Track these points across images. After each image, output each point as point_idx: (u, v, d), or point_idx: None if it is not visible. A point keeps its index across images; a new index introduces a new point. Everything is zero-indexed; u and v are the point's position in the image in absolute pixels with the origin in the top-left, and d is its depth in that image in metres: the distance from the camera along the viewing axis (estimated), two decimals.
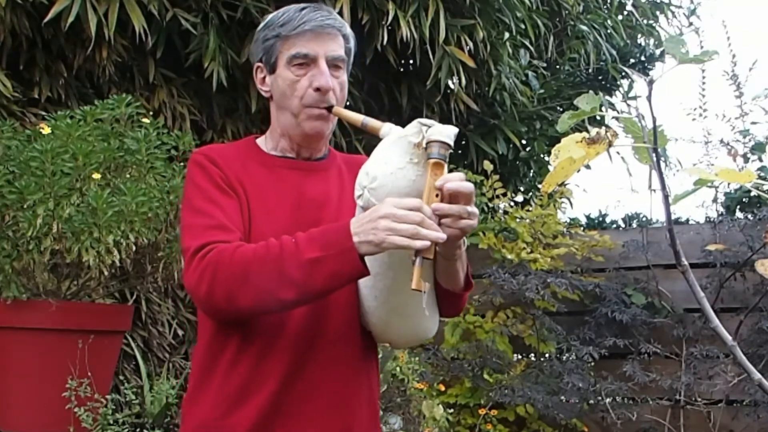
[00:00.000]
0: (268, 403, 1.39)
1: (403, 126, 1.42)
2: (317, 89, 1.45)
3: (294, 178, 1.50)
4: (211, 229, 1.38)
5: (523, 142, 5.20)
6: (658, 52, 5.95)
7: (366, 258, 1.29)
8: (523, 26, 4.53)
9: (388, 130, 1.40)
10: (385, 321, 1.46)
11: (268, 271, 1.29)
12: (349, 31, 1.52)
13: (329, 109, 1.48)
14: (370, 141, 4.14)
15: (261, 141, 1.57)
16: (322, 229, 1.33)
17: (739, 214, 4.04)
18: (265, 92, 1.54)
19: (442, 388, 3.77)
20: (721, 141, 4.35)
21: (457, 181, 1.28)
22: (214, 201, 1.42)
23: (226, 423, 1.40)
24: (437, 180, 1.27)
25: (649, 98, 0.93)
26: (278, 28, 1.47)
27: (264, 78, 1.53)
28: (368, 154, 1.40)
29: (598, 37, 5.42)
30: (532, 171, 5.41)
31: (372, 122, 1.45)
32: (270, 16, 1.52)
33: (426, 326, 1.50)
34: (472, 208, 1.30)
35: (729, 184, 3.90)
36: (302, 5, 1.49)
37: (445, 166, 1.29)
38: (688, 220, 4.57)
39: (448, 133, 1.28)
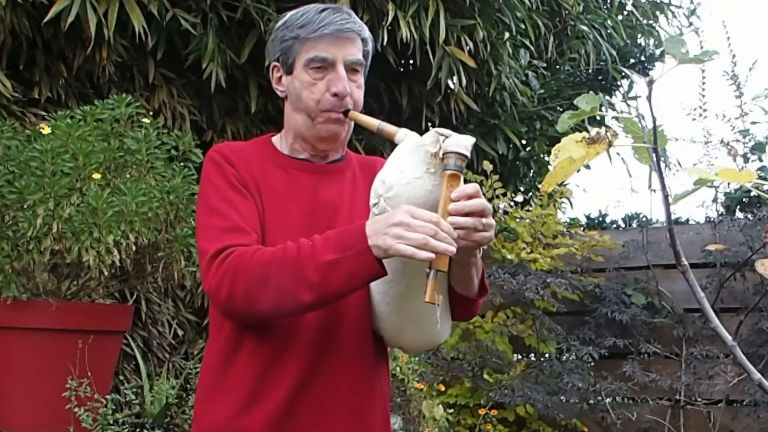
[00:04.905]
0: (281, 405, 1.40)
1: (410, 127, 1.42)
2: (335, 94, 1.45)
3: (309, 181, 1.50)
4: (229, 232, 1.38)
5: (523, 142, 5.19)
6: (658, 52, 5.94)
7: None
8: (523, 26, 4.53)
9: (403, 135, 1.39)
10: (398, 327, 1.46)
11: (287, 274, 1.30)
12: (368, 33, 1.52)
13: (345, 113, 1.47)
14: (369, 141, 4.14)
15: (276, 140, 1.57)
16: (337, 231, 1.33)
17: (739, 214, 4.04)
18: (281, 92, 1.54)
19: (442, 388, 3.77)
20: (721, 141, 4.35)
21: (469, 194, 1.27)
22: (230, 201, 1.42)
23: (239, 423, 1.40)
24: (453, 192, 1.27)
25: (649, 98, 0.93)
26: (297, 29, 1.46)
27: (280, 78, 1.53)
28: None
29: (598, 37, 5.41)
30: (532, 171, 5.40)
31: (388, 127, 1.45)
32: (288, 15, 1.51)
33: (438, 332, 1.50)
34: (488, 220, 1.29)
35: (729, 184, 3.90)
36: (321, 6, 1.48)
37: (462, 177, 1.29)
38: (688, 220, 4.56)
39: (465, 144, 1.28)
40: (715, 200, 4.26)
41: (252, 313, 1.35)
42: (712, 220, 3.91)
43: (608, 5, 5.87)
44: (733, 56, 4.46)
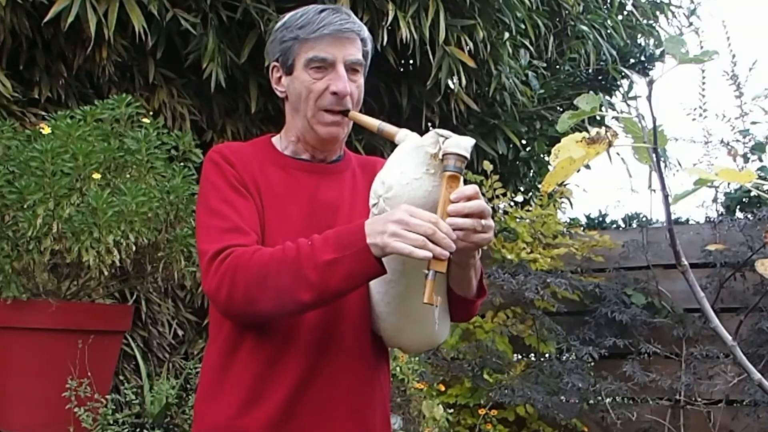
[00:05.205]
0: (281, 405, 1.40)
1: (410, 127, 1.42)
2: (334, 93, 1.45)
3: (309, 181, 1.50)
4: (228, 232, 1.38)
5: (523, 142, 5.19)
6: (658, 52, 5.94)
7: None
8: (523, 26, 4.53)
9: (403, 136, 1.39)
10: (397, 327, 1.47)
11: (286, 274, 1.30)
12: (367, 34, 1.52)
13: (345, 113, 1.48)
14: (369, 141, 4.14)
15: (276, 141, 1.57)
16: (336, 230, 1.34)
17: (739, 214, 4.04)
18: (281, 92, 1.54)
19: (442, 388, 3.77)
20: (721, 141, 4.35)
21: (468, 196, 1.27)
22: (230, 202, 1.42)
23: (240, 423, 1.41)
24: (452, 193, 1.27)
25: (649, 98, 0.93)
26: (297, 30, 1.46)
27: (280, 78, 1.53)
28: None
29: (598, 37, 5.41)
30: (532, 171, 5.40)
31: (388, 128, 1.45)
32: (288, 15, 1.51)
33: (438, 333, 1.50)
34: (487, 222, 1.29)
35: (729, 184, 3.90)
36: (321, 7, 1.48)
37: (461, 178, 1.29)
38: (688, 220, 4.56)
39: (464, 145, 1.28)
40: (715, 200, 4.26)
41: (252, 313, 1.35)
42: (712, 220, 3.91)
43: (608, 5, 5.87)
44: (733, 56, 4.46)
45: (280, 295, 1.31)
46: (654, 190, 3.99)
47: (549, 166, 5.26)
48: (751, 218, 3.72)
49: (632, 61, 5.89)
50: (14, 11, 3.22)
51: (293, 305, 1.32)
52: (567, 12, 5.36)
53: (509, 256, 3.87)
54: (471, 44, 4.02)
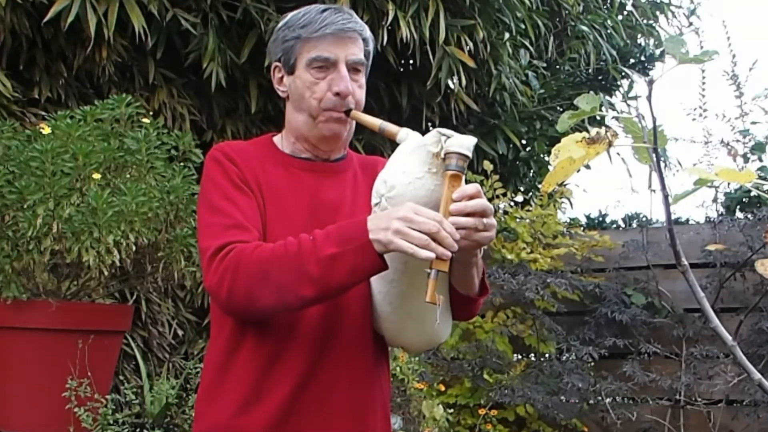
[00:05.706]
0: (282, 405, 1.40)
1: (410, 127, 1.42)
2: (337, 93, 1.45)
3: (311, 180, 1.50)
4: (230, 229, 1.38)
5: (523, 142, 5.19)
6: (658, 52, 5.95)
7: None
8: (523, 26, 4.53)
9: (405, 135, 1.39)
10: (399, 327, 1.47)
11: (287, 269, 1.30)
12: (369, 34, 1.52)
13: (347, 112, 1.48)
14: (369, 140, 4.14)
15: (278, 140, 1.57)
16: (338, 225, 1.34)
17: (739, 214, 4.04)
18: (282, 92, 1.54)
19: (442, 388, 3.77)
20: (721, 141, 4.35)
21: (470, 195, 1.27)
22: (232, 199, 1.42)
23: (240, 422, 1.40)
24: (454, 192, 1.27)
25: (649, 98, 0.93)
26: (299, 29, 1.46)
27: (281, 78, 1.53)
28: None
29: (598, 37, 5.41)
30: (532, 171, 5.41)
31: (389, 127, 1.45)
32: (289, 15, 1.51)
33: (439, 332, 1.50)
34: (490, 221, 1.29)
35: (729, 184, 3.90)
36: (323, 6, 1.48)
37: (463, 177, 1.29)
38: (688, 220, 4.57)
39: (467, 144, 1.28)
40: (715, 200, 4.26)
41: (253, 309, 1.35)
42: (712, 220, 3.91)
43: (608, 5, 5.87)
44: (733, 56, 4.46)
45: (281, 290, 1.30)
46: (654, 190, 3.98)
47: (549, 166, 5.26)
48: (751, 218, 3.72)
49: (632, 61, 5.89)
50: (14, 11, 3.22)
51: (295, 300, 1.32)
52: (567, 12, 5.36)
53: (509, 256, 3.87)
54: (471, 44, 4.02)
